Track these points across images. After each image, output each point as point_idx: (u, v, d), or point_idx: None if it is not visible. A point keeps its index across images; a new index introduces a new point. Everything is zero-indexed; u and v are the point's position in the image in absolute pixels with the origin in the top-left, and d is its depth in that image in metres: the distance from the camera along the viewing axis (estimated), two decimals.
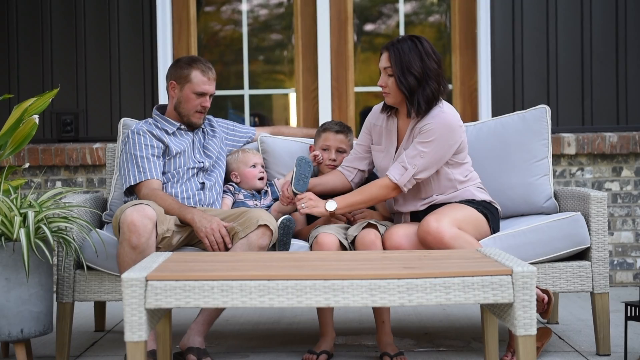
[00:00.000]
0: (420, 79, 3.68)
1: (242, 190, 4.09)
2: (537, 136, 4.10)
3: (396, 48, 3.72)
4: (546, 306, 3.55)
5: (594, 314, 3.75)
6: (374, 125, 3.93)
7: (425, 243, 3.54)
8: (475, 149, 4.03)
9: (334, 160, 4.05)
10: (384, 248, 3.63)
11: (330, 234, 3.67)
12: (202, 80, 3.93)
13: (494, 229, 3.77)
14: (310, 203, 3.70)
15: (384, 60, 3.75)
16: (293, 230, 3.75)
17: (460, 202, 3.75)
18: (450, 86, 5.58)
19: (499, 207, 3.87)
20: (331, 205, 3.69)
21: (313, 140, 4.19)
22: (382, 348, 3.66)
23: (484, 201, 3.79)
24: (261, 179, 4.10)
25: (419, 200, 3.79)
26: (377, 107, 3.94)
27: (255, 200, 4.08)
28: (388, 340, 3.67)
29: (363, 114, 5.72)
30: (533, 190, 4.06)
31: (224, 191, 4.08)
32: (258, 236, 3.57)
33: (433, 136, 3.65)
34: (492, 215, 3.78)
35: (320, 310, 3.72)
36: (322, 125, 4.15)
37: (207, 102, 3.97)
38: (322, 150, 4.08)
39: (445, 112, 3.71)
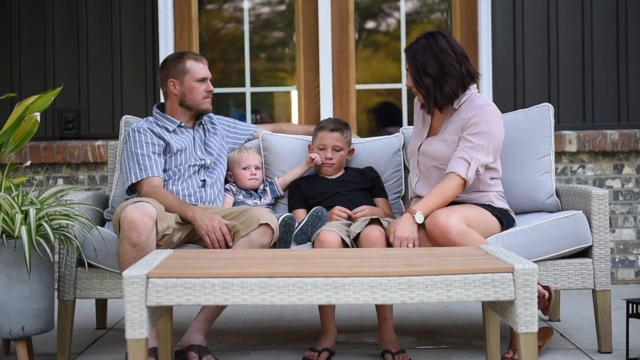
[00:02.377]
0: (437, 78, 3.70)
1: (242, 191, 4.10)
2: (540, 133, 4.10)
3: (411, 49, 3.75)
4: (547, 302, 3.55)
5: (595, 312, 3.74)
6: (418, 113, 3.95)
7: (431, 236, 3.53)
8: None
9: (330, 159, 4.06)
10: (387, 238, 3.62)
11: (332, 232, 3.66)
12: (199, 67, 3.99)
13: None
14: (405, 234, 3.56)
15: (405, 63, 3.78)
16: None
17: (477, 205, 3.74)
18: None
19: (514, 217, 3.86)
20: (420, 218, 3.59)
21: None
22: (384, 345, 3.66)
23: (501, 209, 3.79)
24: (253, 181, 4.11)
25: None
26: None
27: (255, 199, 4.08)
28: (390, 338, 3.67)
29: (369, 111, 5.73)
30: (535, 187, 4.06)
31: (226, 189, 4.08)
32: (259, 235, 3.57)
33: (486, 128, 3.67)
34: (507, 222, 3.77)
35: (321, 308, 3.71)
36: (319, 123, 4.16)
37: (211, 86, 4.01)
38: (319, 150, 4.09)
39: (490, 104, 3.74)
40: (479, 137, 3.66)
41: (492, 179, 3.81)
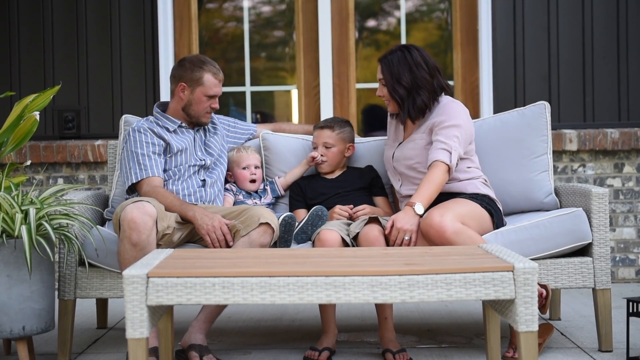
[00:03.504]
0: (410, 89, 3.81)
1: (242, 191, 4.10)
2: (536, 132, 4.10)
3: (387, 60, 3.87)
4: (544, 300, 3.55)
5: (595, 310, 3.74)
6: (390, 124, 4.06)
7: (427, 237, 3.54)
8: (475, 146, 4.03)
9: (322, 156, 4.08)
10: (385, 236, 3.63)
11: (332, 231, 3.66)
12: (214, 83, 3.95)
13: (497, 224, 3.78)
14: (405, 226, 3.60)
15: (379, 72, 3.90)
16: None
17: (464, 195, 3.76)
18: (451, 82, 5.57)
19: (500, 206, 3.88)
20: (420, 208, 3.63)
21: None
22: (385, 344, 3.66)
23: (488, 196, 3.80)
24: (253, 181, 4.11)
25: None
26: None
27: (254, 199, 4.08)
28: (390, 337, 3.67)
29: (364, 111, 5.72)
30: (532, 186, 4.06)
31: (226, 189, 4.08)
32: (259, 234, 3.56)
33: (455, 121, 3.76)
34: (496, 212, 3.78)
35: (322, 307, 3.72)
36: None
37: (217, 104, 3.99)
38: (314, 149, 4.12)
39: (454, 100, 3.86)
40: (452, 129, 3.74)
41: (468, 167, 3.85)
